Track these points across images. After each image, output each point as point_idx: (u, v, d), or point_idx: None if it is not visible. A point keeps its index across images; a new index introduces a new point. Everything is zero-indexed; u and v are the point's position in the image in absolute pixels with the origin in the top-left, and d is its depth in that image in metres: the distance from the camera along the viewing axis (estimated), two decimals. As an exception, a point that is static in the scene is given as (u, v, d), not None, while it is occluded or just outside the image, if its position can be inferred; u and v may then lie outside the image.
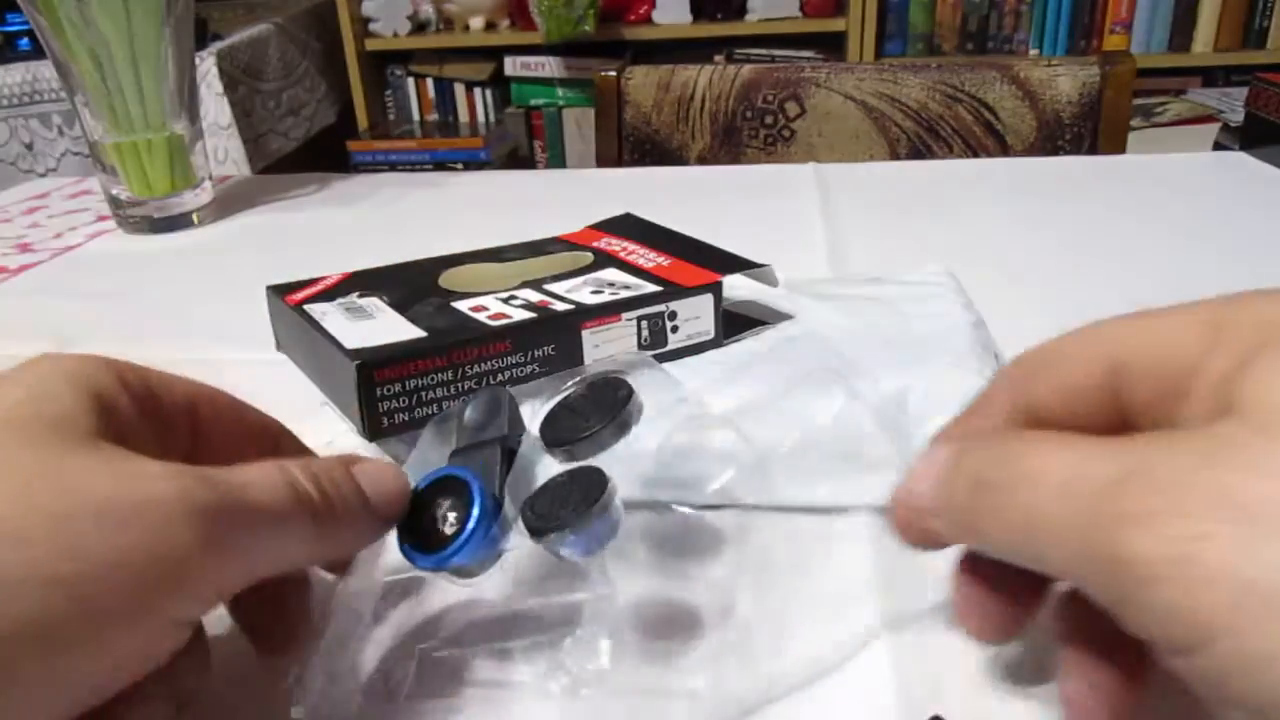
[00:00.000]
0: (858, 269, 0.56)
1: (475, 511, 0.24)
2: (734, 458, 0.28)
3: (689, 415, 0.29)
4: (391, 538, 0.26)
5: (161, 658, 0.21)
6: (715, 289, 0.44)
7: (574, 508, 0.24)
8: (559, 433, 0.27)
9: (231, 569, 0.21)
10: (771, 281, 0.47)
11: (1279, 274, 0.53)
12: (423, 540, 0.25)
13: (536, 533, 0.24)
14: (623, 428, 0.26)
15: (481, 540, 0.25)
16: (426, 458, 0.29)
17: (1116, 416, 0.19)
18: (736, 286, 0.48)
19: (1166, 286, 0.52)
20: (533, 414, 0.29)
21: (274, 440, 0.27)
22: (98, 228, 0.72)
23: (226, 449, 0.25)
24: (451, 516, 0.25)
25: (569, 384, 0.29)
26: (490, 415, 0.29)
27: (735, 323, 0.46)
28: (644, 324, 0.42)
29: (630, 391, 0.27)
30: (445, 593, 0.29)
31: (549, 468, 0.27)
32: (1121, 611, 0.16)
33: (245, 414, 0.27)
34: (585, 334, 0.40)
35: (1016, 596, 0.22)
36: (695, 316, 0.43)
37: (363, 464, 0.25)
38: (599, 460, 0.26)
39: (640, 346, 0.42)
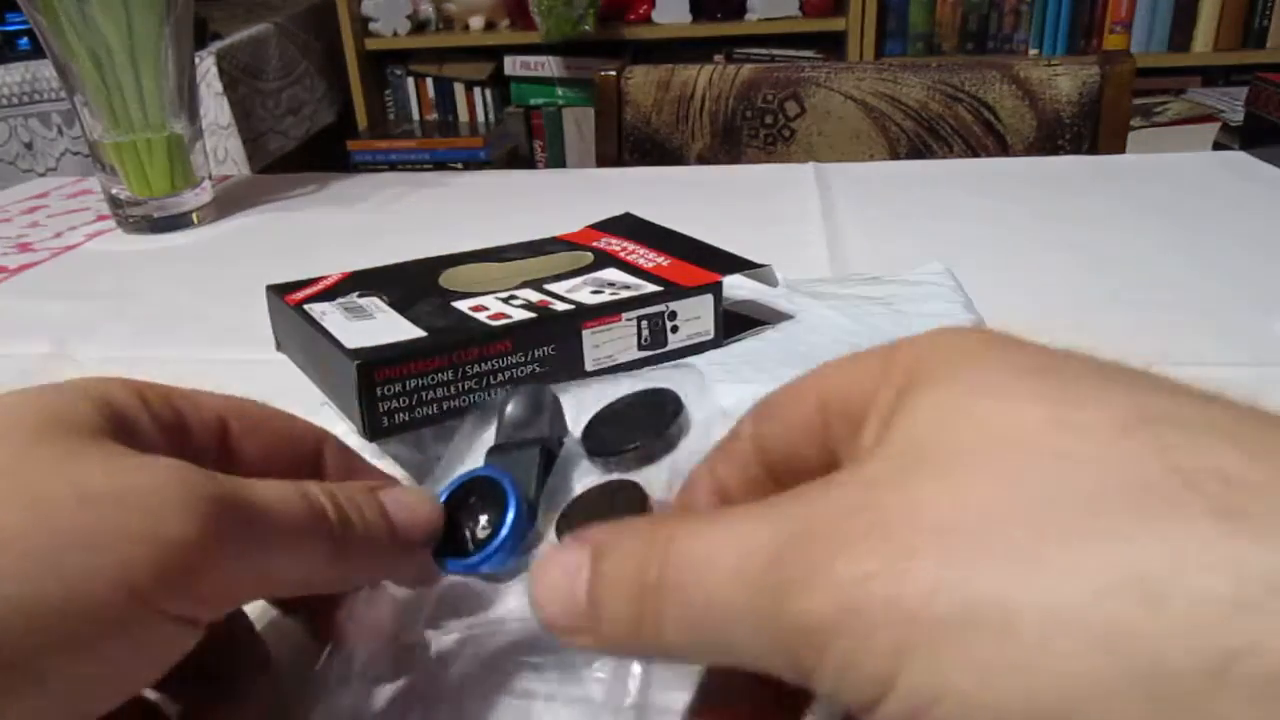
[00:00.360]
0: (858, 269, 0.56)
1: (509, 519, 0.24)
2: None
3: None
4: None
5: (164, 663, 0.19)
6: (715, 289, 0.44)
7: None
8: (602, 442, 0.26)
9: (237, 571, 0.20)
10: (771, 281, 0.47)
11: (1278, 273, 0.53)
12: (452, 542, 0.24)
13: None
14: (669, 444, 0.26)
15: (513, 549, 0.24)
16: (464, 449, 0.29)
17: (831, 454, 0.19)
18: (736, 286, 0.48)
19: (1166, 286, 0.52)
20: (576, 416, 0.28)
21: (315, 449, 0.26)
22: (97, 227, 0.72)
23: (263, 465, 0.24)
24: (484, 520, 0.24)
25: (618, 391, 0.28)
26: (533, 413, 0.28)
27: (735, 323, 0.46)
28: (644, 324, 0.42)
29: (679, 407, 0.26)
30: (471, 599, 0.28)
31: (586, 474, 0.26)
32: (812, 682, 0.15)
33: (283, 425, 0.26)
34: (586, 334, 0.40)
35: None
36: (695, 316, 0.43)
37: (390, 490, 0.24)
38: (640, 474, 0.25)
39: (640, 346, 0.42)
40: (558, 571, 0.18)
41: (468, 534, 0.24)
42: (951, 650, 0.13)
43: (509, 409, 0.28)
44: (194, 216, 0.71)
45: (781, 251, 0.51)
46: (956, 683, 0.13)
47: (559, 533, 0.24)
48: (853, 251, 0.60)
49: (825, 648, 0.14)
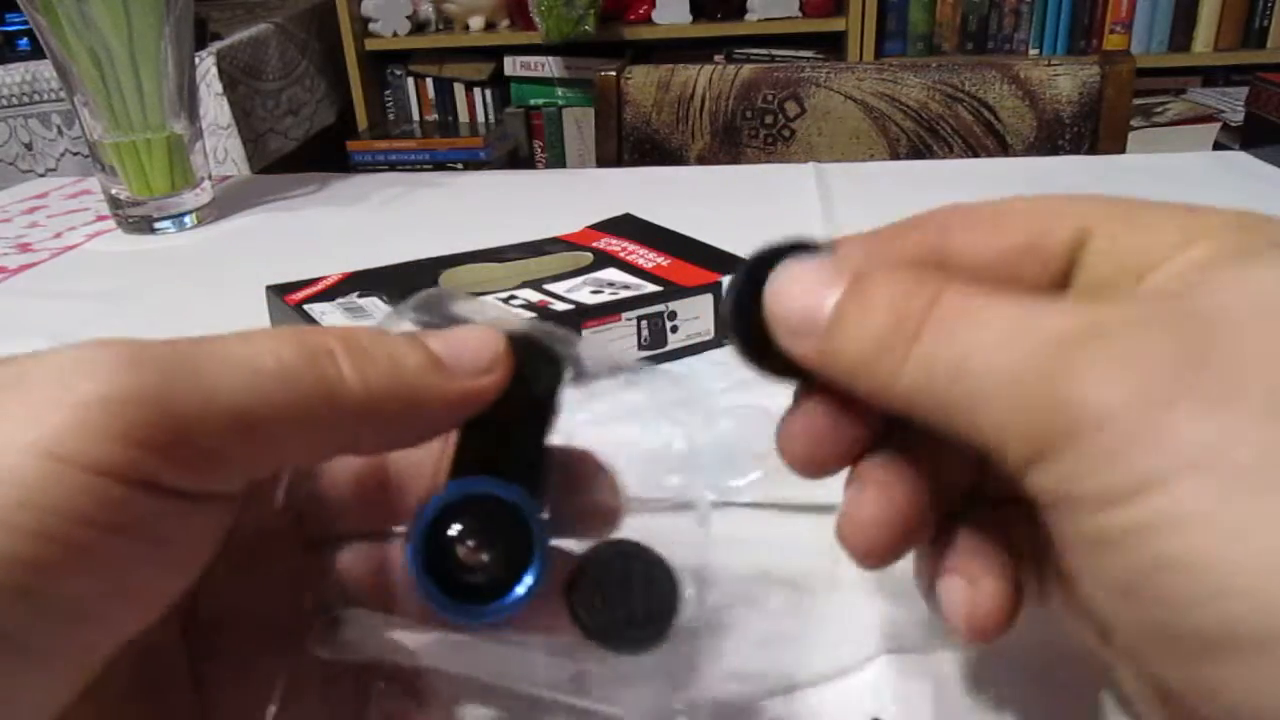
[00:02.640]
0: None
1: (536, 561, 0.20)
2: (763, 457, 0.27)
3: (712, 411, 0.28)
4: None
5: (175, 553, 0.17)
6: (715, 289, 0.44)
7: (642, 615, 0.20)
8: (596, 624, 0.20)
9: (189, 423, 0.16)
10: (771, 281, 0.47)
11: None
12: (445, 580, 0.19)
13: (605, 641, 0.20)
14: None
15: (535, 594, 0.20)
16: None
17: (1058, 287, 0.18)
18: (736, 286, 0.48)
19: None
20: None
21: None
22: (97, 228, 0.72)
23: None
24: (480, 546, 0.20)
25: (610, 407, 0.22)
26: (521, 373, 0.20)
27: (735, 323, 0.46)
28: (644, 324, 0.42)
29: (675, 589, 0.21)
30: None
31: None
32: (1044, 459, 0.15)
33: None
34: (585, 334, 0.40)
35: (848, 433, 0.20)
36: (695, 316, 0.43)
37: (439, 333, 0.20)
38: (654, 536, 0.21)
39: (640, 346, 0.42)
40: (809, 276, 0.18)
41: (465, 568, 0.19)
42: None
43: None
44: (194, 216, 0.71)
45: (781, 251, 0.51)
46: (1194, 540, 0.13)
47: (580, 623, 0.20)
48: (853, 251, 0.60)
49: (1091, 433, 0.14)
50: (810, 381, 0.20)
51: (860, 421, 0.20)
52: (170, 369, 0.16)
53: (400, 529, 0.22)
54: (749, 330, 0.19)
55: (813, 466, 0.20)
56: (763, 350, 0.19)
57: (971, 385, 0.16)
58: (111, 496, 0.15)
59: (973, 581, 0.19)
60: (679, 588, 0.20)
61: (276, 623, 0.21)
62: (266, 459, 0.18)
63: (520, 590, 0.19)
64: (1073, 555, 0.16)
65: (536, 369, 0.20)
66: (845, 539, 0.19)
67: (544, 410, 0.21)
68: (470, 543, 0.19)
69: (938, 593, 0.20)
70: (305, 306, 0.41)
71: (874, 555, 0.19)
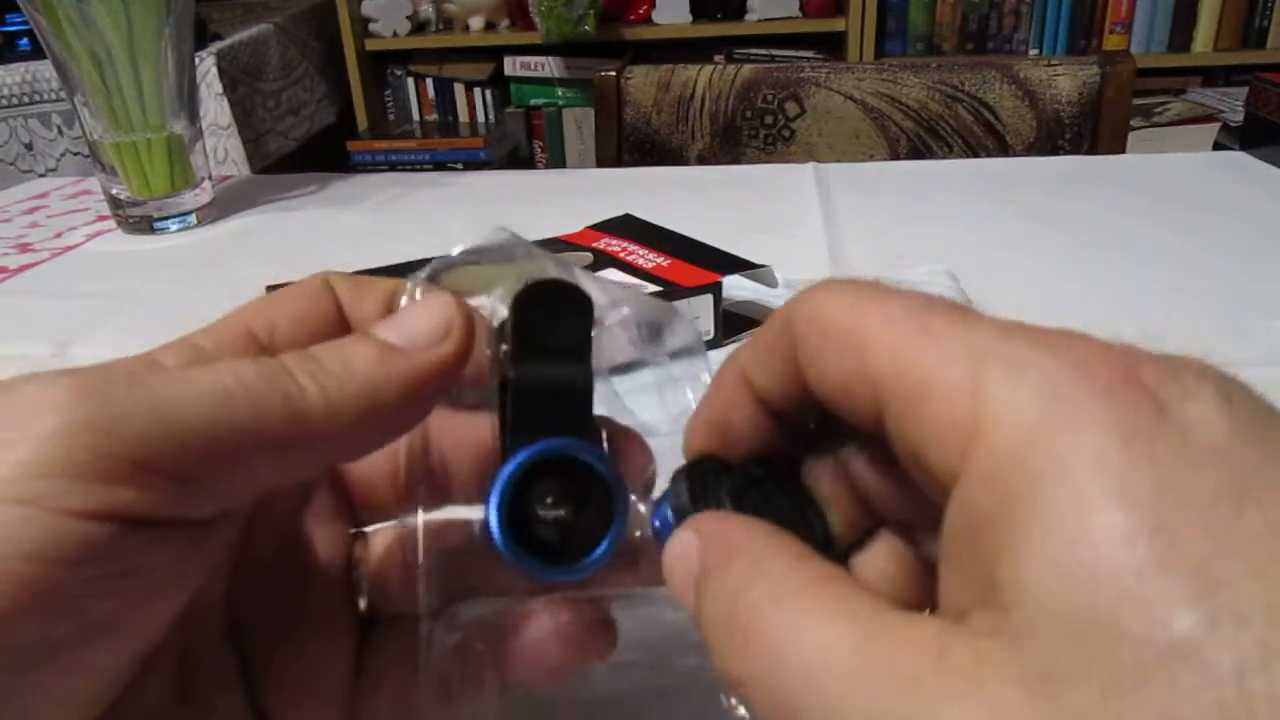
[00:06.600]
0: (858, 269, 0.56)
1: (618, 519, 0.20)
2: None
3: None
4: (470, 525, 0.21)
5: (157, 582, 0.16)
6: (715, 289, 0.44)
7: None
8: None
9: (150, 453, 0.15)
10: (771, 282, 0.47)
11: (1279, 273, 0.53)
12: (527, 539, 0.19)
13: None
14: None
15: (618, 549, 0.20)
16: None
17: (877, 429, 0.16)
18: (736, 287, 0.48)
19: (1166, 286, 0.52)
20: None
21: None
22: (97, 228, 0.72)
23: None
24: (556, 503, 0.19)
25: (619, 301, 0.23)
26: (556, 322, 0.21)
27: (735, 323, 0.46)
28: (643, 324, 0.42)
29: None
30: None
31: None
32: None
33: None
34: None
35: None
36: (695, 317, 0.43)
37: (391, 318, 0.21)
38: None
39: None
40: (680, 564, 0.18)
41: (541, 526, 0.19)
42: None
43: (513, 311, 0.21)
44: (194, 216, 0.71)
45: (781, 251, 0.51)
46: None
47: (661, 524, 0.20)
48: (853, 252, 0.60)
49: None
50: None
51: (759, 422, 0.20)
52: (123, 395, 0.16)
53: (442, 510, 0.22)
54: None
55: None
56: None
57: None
58: (76, 534, 0.15)
59: None
60: (619, 498, 0.20)
61: (323, 608, 0.21)
62: (237, 482, 0.17)
63: (605, 544, 0.19)
64: None
65: (555, 318, 0.20)
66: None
67: (577, 355, 0.20)
68: (550, 500, 0.19)
69: None
70: (305, 306, 0.41)
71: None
